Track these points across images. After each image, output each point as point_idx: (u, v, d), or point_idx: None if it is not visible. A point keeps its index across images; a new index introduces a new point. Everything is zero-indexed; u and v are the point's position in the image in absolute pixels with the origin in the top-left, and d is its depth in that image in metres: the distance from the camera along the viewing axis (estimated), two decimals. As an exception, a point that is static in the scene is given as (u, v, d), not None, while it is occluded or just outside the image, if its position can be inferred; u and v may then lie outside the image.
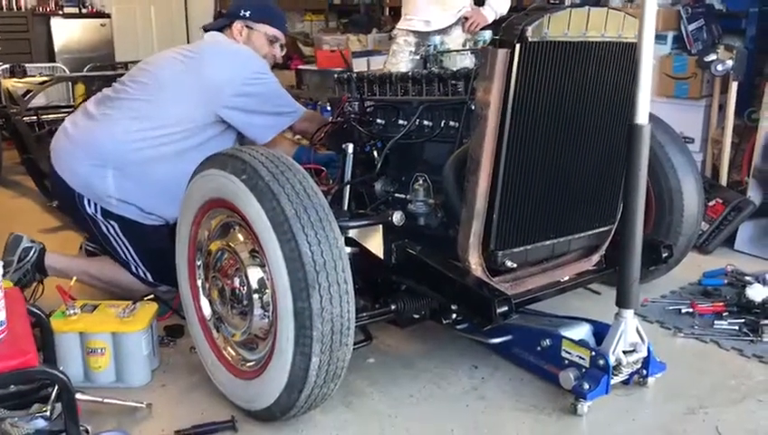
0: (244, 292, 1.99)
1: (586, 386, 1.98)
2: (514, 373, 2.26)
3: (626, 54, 2.13)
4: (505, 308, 1.93)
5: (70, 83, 5.99)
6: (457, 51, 3.52)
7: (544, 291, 2.24)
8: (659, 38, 3.88)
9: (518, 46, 1.89)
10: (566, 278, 2.33)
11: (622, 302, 1.99)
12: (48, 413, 1.74)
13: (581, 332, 2.17)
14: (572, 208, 2.21)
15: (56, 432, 1.73)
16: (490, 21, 4.13)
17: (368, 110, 2.59)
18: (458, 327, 2.24)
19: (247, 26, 2.90)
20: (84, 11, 8.30)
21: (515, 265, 2.12)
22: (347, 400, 2.12)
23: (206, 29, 3.00)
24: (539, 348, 2.17)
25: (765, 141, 3.48)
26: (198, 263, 2.20)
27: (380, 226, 2.16)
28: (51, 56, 7.78)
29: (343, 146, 2.45)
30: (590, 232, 2.30)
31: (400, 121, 2.45)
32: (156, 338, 2.32)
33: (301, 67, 6.71)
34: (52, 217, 4.03)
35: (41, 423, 1.75)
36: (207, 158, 2.06)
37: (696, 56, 3.86)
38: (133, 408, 2.04)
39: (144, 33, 8.79)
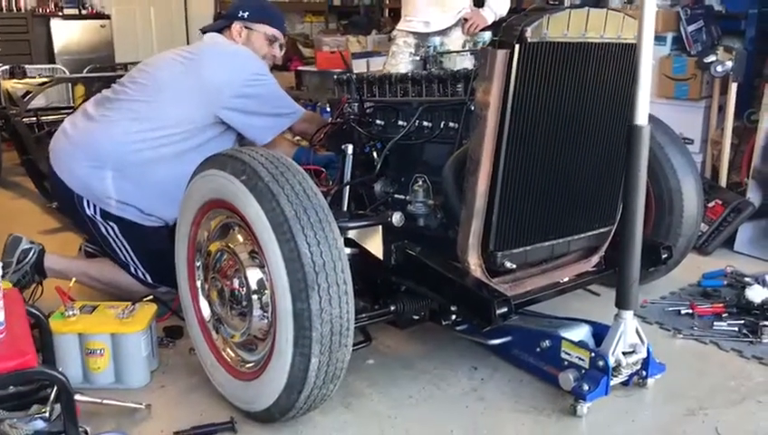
0: (243, 293, 1.99)
1: (585, 387, 1.98)
2: (514, 374, 2.26)
3: (625, 55, 2.13)
4: (505, 309, 1.93)
5: (69, 84, 5.99)
6: (457, 52, 3.52)
7: (544, 292, 2.24)
8: (659, 39, 3.89)
9: (517, 47, 1.90)
10: (566, 279, 2.33)
11: (622, 303, 1.99)
12: (47, 414, 1.74)
13: (581, 333, 2.17)
14: (572, 209, 2.21)
15: (55, 433, 1.73)
16: (489, 22, 4.13)
17: (367, 111, 2.59)
18: (458, 328, 2.24)
19: (246, 27, 2.90)
20: (84, 12, 8.29)
21: (515, 266, 2.12)
22: (346, 401, 2.12)
23: (205, 31, 3.00)
24: (538, 349, 2.17)
25: (765, 143, 3.48)
26: (198, 264, 2.20)
27: (380, 226, 2.16)
28: (50, 57, 7.77)
29: (343, 147, 2.45)
30: (589, 233, 2.30)
31: (400, 122, 2.45)
32: (155, 339, 2.32)
33: (300, 68, 6.71)
34: (51, 219, 4.03)
35: (40, 424, 1.74)
36: (207, 158, 2.06)
37: (695, 57, 3.87)
38: (132, 409, 2.04)
39: (144, 35, 8.79)
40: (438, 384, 2.22)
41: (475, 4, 4.20)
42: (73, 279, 2.51)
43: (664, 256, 2.49)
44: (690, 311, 2.67)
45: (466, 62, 3.68)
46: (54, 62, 7.30)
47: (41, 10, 8.03)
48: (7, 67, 5.58)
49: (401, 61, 4.16)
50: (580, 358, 2.04)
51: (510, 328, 2.22)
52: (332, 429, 2.00)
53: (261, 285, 1.94)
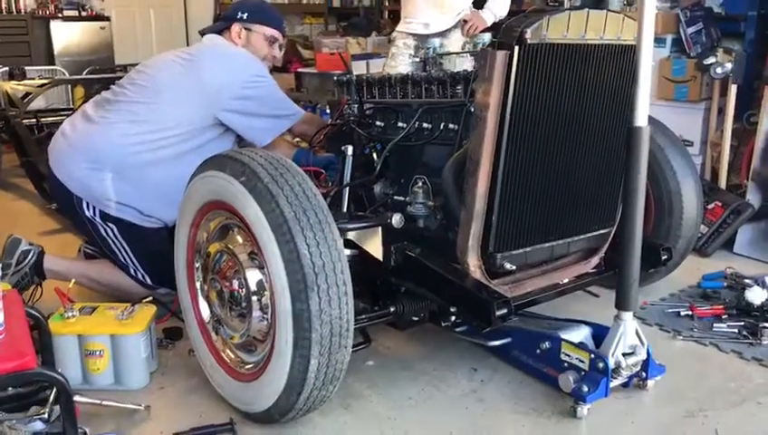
0: (242, 294, 1.99)
1: (585, 389, 1.98)
2: (514, 376, 2.25)
3: (625, 57, 2.13)
4: (504, 310, 1.93)
5: (69, 86, 6.00)
6: (457, 53, 3.53)
7: (543, 293, 2.24)
8: (658, 41, 3.90)
9: (517, 48, 1.90)
10: (565, 281, 2.33)
11: (621, 304, 1.99)
12: (46, 416, 1.73)
13: (581, 334, 2.16)
14: (572, 211, 2.21)
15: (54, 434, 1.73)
16: (489, 24, 4.14)
17: (367, 112, 2.59)
18: (457, 330, 2.24)
19: (246, 28, 2.90)
20: (84, 14, 8.30)
21: (514, 268, 2.12)
22: (346, 402, 2.12)
23: (204, 33, 3.00)
24: (538, 351, 2.16)
25: (764, 144, 3.48)
26: (197, 265, 2.20)
27: (379, 228, 2.16)
28: (50, 59, 7.78)
29: (342, 148, 2.45)
30: (589, 234, 2.30)
31: (399, 124, 2.45)
32: (154, 340, 2.32)
33: (300, 70, 6.73)
34: (51, 220, 4.03)
35: (39, 426, 1.74)
36: (206, 160, 2.06)
37: (695, 59, 3.87)
38: (131, 410, 2.04)
39: (143, 36, 8.81)
40: (438, 386, 2.22)
41: (474, 6, 4.20)
42: (73, 280, 2.51)
43: (663, 257, 2.49)
44: (690, 312, 2.67)
45: (466, 64, 3.69)
46: (54, 64, 7.31)
47: (41, 12, 8.04)
48: (7, 69, 5.59)
49: (401, 62, 4.16)
50: (579, 359, 2.04)
51: (510, 329, 2.22)
52: (332, 430, 2.00)
53: (260, 286, 1.94)
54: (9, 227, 3.26)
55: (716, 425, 2.00)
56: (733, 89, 3.65)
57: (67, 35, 8.06)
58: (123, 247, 2.67)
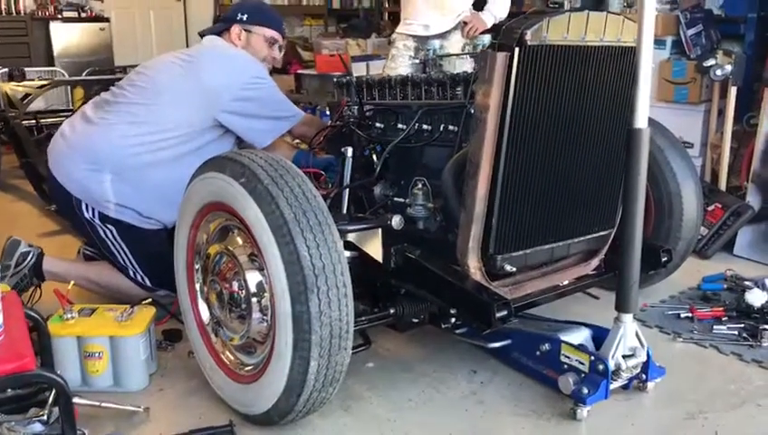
0: (242, 295, 1.98)
1: (585, 391, 1.97)
2: (513, 378, 2.25)
3: (625, 59, 2.13)
4: (504, 312, 1.93)
5: (68, 87, 5.99)
6: (457, 55, 3.53)
7: (543, 295, 2.24)
8: (658, 43, 3.90)
9: (517, 50, 1.89)
10: (565, 282, 2.33)
11: (621, 306, 1.99)
12: (45, 417, 1.73)
13: (581, 336, 2.16)
14: (572, 212, 2.21)
15: (53, 436, 1.72)
16: (489, 25, 4.14)
17: (367, 114, 2.59)
18: (457, 331, 2.24)
19: (245, 29, 2.89)
20: (83, 15, 8.30)
21: (514, 270, 2.11)
22: (346, 404, 2.12)
23: (203, 34, 3.00)
24: (538, 353, 2.16)
25: (764, 146, 3.48)
26: (197, 267, 2.19)
27: (379, 230, 2.16)
28: (50, 60, 7.78)
29: (342, 150, 2.45)
30: (589, 236, 2.30)
31: (399, 125, 2.45)
32: (154, 342, 2.32)
33: (300, 72, 6.73)
34: (50, 221, 4.02)
35: (38, 427, 1.73)
36: (206, 161, 2.05)
37: (695, 61, 3.88)
38: (131, 412, 2.03)
39: (143, 38, 8.81)
40: (438, 387, 2.22)
41: (474, 8, 4.20)
42: (72, 282, 2.51)
43: (664, 259, 2.49)
44: (690, 314, 2.67)
45: (466, 66, 3.69)
46: (54, 65, 7.30)
47: (40, 13, 8.04)
48: (6, 70, 5.59)
49: (401, 64, 4.16)
50: (579, 361, 2.04)
51: (510, 331, 2.22)
52: (332, 432, 2.00)
53: (260, 287, 1.94)
54: (8, 229, 3.25)
55: (716, 427, 2.00)
56: (733, 91, 3.65)
57: (67, 37, 8.06)
58: (122, 249, 2.67)
